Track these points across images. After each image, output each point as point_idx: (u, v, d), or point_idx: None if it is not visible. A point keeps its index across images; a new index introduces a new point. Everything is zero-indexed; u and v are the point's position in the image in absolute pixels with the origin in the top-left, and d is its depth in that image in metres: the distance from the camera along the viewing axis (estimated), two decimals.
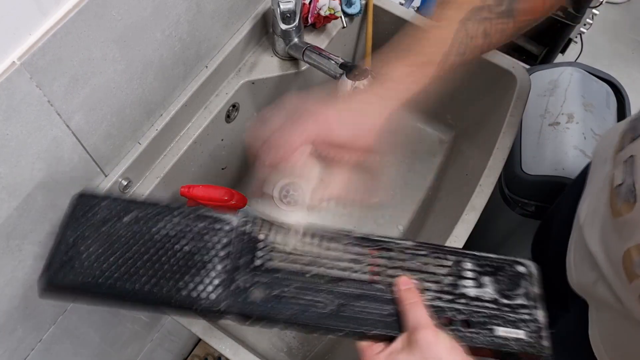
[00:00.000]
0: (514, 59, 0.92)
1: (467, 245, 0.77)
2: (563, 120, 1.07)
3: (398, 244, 0.59)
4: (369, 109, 0.58)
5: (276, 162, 0.58)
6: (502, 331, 0.54)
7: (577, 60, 1.63)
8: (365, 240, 0.59)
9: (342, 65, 0.78)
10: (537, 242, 1.03)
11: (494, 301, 0.56)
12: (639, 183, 0.54)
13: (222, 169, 0.97)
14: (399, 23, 0.97)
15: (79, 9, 0.57)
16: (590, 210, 0.68)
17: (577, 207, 0.73)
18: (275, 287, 0.54)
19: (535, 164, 1.05)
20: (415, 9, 1.42)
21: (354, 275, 0.56)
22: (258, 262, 0.55)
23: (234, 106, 0.89)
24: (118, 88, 0.68)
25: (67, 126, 0.64)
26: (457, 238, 0.76)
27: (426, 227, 0.99)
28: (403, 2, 1.28)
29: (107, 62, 0.64)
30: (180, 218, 0.57)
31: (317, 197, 0.58)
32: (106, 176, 0.75)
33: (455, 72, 0.60)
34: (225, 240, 0.56)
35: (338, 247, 0.58)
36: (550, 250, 0.88)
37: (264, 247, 0.57)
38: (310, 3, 0.88)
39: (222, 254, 0.55)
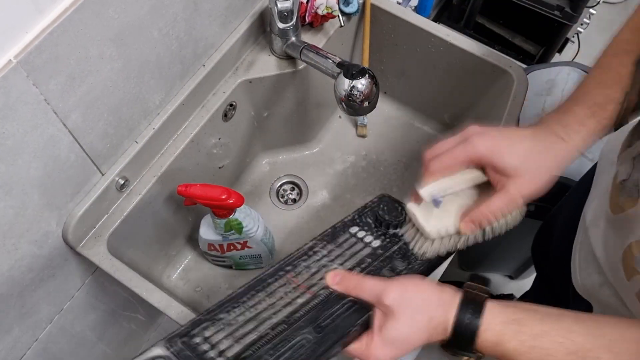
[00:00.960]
0: (511, 59, 0.92)
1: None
2: None
3: (300, 254, 0.61)
4: (551, 147, 0.56)
5: (436, 170, 0.58)
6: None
7: (574, 60, 1.63)
8: (275, 272, 0.59)
9: (340, 65, 0.78)
10: (538, 243, 1.03)
11: (394, 235, 0.62)
12: None
13: (220, 167, 0.96)
14: (397, 22, 0.97)
15: (76, 7, 0.57)
16: (596, 212, 0.68)
17: (583, 209, 0.73)
18: None
19: None
20: (413, 8, 1.42)
21: (298, 301, 0.55)
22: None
23: (231, 105, 0.89)
24: (115, 87, 0.68)
25: (64, 125, 0.64)
26: None
27: None
28: (400, 1, 1.29)
29: (104, 60, 0.64)
30: None
31: (465, 216, 0.58)
32: (103, 175, 0.75)
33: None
34: None
35: (261, 296, 0.56)
36: (553, 252, 0.88)
37: (209, 348, 0.52)
38: (307, 2, 0.88)
39: None
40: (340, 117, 1.13)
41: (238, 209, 0.83)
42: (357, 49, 1.04)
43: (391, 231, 0.63)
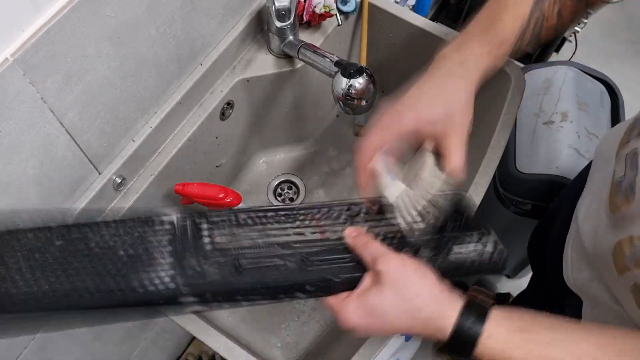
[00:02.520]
0: (508, 58, 0.92)
1: None
2: (557, 119, 1.08)
3: (341, 204, 0.60)
4: (455, 90, 0.58)
5: (359, 169, 0.59)
6: (456, 249, 0.57)
7: (572, 59, 1.63)
8: (301, 210, 0.60)
9: (337, 63, 0.78)
10: (535, 241, 1.03)
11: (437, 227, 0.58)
12: (639, 177, 0.54)
13: (217, 166, 0.96)
14: (394, 21, 0.97)
15: (73, 5, 0.57)
16: (589, 208, 0.68)
17: (576, 205, 0.73)
18: (231, 262, 0.54)
19: (529, 163, 1.05)
20: (411, 7, 1.42)
21: (306, 237, 0.57)
22: (208, 247, 0.55)
23: (228, 104, 0.89)
24: (112, 85, 0.68)
25: (61, 123, 0.63)
26: None
27: None
28: (398, 0, 1.29)
29: (101, 59, 0.64)
30: (116, 228, 0.56)
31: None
32: (100, 174, 0.75)
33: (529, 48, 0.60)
34: (168, 237, 0.55)
35: (280, 219, 0.58)
36: (549, 251, 0.88)
37: (209, 233, 0.56)
38: (305, 1, 0.88)
39: (169, 248, 0.54)
40: (337, 116, 1.13)
41: (235, 207, 0.83)
42: (355, 48, 1.04)
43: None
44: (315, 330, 0.96)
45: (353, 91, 0.75)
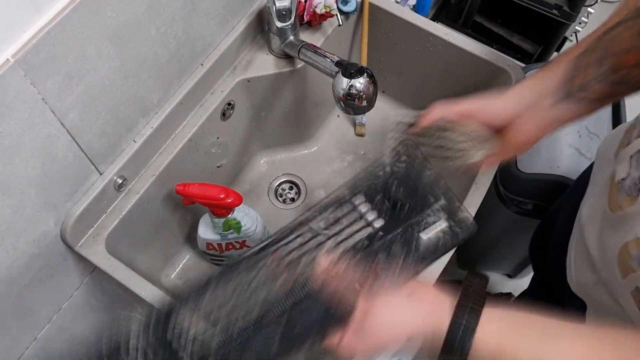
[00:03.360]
0: (509, 57, 0.92)
1: (462, 243, 0.77)
2: None
3: (295, 225, 0.57)
4: (535, 114, 0.62)
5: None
6: (423, 236, 0.56)
7: None
8: (265, 247, 0.56)
9: (338, 64, 0.78)
10: (536, 242, 1.03)
11: (401, 213, 0.56)
12: None
13: (218, 166, 0.96)
14: (395, 21, 0.97)
15: (74, 5, 0.57)
16: (592, 210, 0.68)
17: (579, 207, 0.73)
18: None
19: (530, 163, 1.05)
20: (411, 7, 1.42)
21: (272, 296, 0.53)
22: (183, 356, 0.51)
23: (229, 104, 0.89)
24: (113, 86, 0.68)
25: (62, 124, 0.63)
26: None
27: None
28: (399, 0, 1.28)
29: (101, 59, 0.64)
30: None
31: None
32: (101, 174, 0.75)
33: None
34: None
35: (242, 273, 0.54)
36: (551, 251, 0.88)
37: (177, 341, 0.53)
38: (306, 1, 0.88)
39: None
40: (338, 116, 1.13)
41: (236, 208, 0.83)
42: (356, 48, 1.04)
43: (400, 211, 0.57)
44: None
45: (354, 91, 0.75)
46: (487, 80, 0.94)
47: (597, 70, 0.57)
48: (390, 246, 0.56)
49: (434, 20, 0.98)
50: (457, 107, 0.65)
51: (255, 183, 1.07)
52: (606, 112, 1.13)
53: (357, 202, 0.58)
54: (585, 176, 0.77)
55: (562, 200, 0.94)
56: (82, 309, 0.87)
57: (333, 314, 0.53)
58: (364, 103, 0.76)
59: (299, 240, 0.56)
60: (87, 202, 0.73)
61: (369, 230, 0.56)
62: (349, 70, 0.75)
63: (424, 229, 0.56)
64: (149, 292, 0.73)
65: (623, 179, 0.58)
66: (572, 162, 1.02)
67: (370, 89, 0.76)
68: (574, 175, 1.00)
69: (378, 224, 0.56)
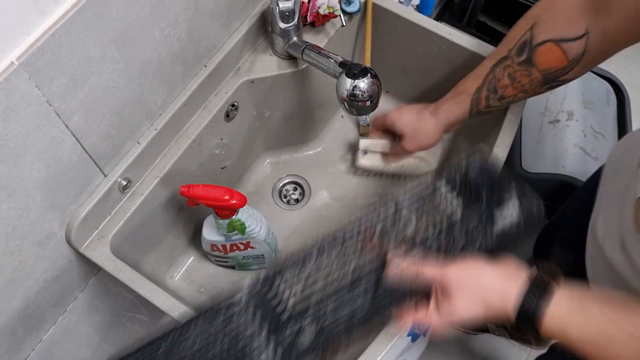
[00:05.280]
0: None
1: None
2: (563, 117, 1.07)
3: (383, 210, 0.64)
4: (426, 119, 0.83)
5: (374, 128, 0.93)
6: (498, 214, 0.61)
7: None
8: (356, 228, 0.63)
9: (342, 64, 0.78)
10: (541, 245, 1.03)
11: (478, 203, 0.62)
12: None
13: (222, 168, 0.96)
14: (398, 21, 0.96)
15: (78, 8, 0.57)
16: (608, 228, 0.67)
17: (590, 219, 0.72)
18: (312, 326, 0.58)
19: (535, 162, 1.05)
20: (415, 7, 1.42)
21: (366, 269, 0.61)
22: (284, 316, 0.59)
23: (233, 105, 0.89)
24: (117, 88, 0.68)
25: (66, 126, 0.64)
26: None
27: None
28: (402, 0, 1.28)
29: (105, 61, 0.64)
30: (198, 329, 0.59)
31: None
32: (105, 176, 0.75)
33: (497, 107, 0.78)
34: (245, 318, 0.59)
35: (336, 252, 0.62)
36: (555, 255, 0.88)
37: (278, 302, 0.60)
38: (309, 2, 0.88)
39: (253, 329, 0.59)
40: (342, 116, 1.13)
41: (241, 209, 0.83)
42: (359, 48, 1.04)
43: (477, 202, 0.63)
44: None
45: (358, 92, 0.75)
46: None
47: (492, 99, 0.77)
48: (468, 225, 0.62)
49: (437, 20, 0.98)
50: (394, 127, 0.86)
51: (259, 184, 1.07)
52: (611, 111, 1.12)
53: (443, 190, 0.65)
54: (592, 183, 0.77)
55: (566, 206, 0.94)
56: (88, 310, 0.87)
57: (413, 291, 0.59)
58: (368, 103, 0.76)
59: (382, 214, 0.64)
60: (92, 204, 0.73)
61: (448, 221, 0.63)
62: (353, 70, 0.75)
63: (498, 206, 0.62)
64: (153, 294, 0.73)
65: None
66: (577, 161, 1.02)
67: (375, 89, 0.76)
68: (580, 175, 1.00)
69: (457, 215, 0.63)
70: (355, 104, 0.76)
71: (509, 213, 0.61)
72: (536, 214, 0.61)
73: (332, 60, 0.79)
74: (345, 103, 0.77)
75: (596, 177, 0.76)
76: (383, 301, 0.59)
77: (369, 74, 0.75)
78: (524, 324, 0.54)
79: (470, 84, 0.78)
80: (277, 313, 0.59)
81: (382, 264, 0.61)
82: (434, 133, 0.83)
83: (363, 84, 0.75)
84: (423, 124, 0.83)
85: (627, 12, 0.60)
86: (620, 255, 0.63)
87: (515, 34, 0.72)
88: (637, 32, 0.61)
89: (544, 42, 0.68)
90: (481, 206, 0.62)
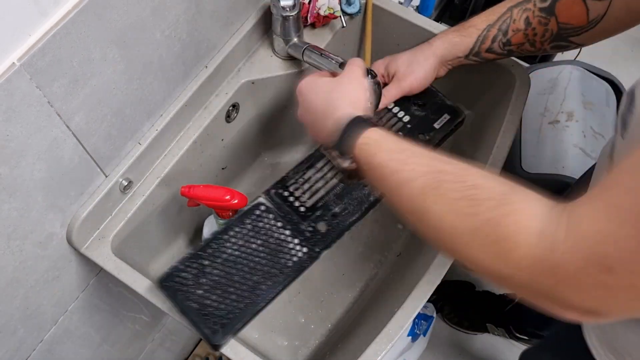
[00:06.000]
0: (513, 58, 0.92)
1: None
2: (563, 118, 1.08)
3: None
4: (421, 54, 0.79)
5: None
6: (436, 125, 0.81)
7: (577, 59, 1.62)
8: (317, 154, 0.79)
9: (342, 65, 0.78)
10: None
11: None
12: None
13: (223, 168, 0.97)
14: (399, 22, 0.97)
15: (79, 9, 0.57)
16: None
17: None
18: (325, 216, 0.72)
19: (535, 163, 1.05)
20: (415, 8, 1.42)
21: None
22: (302, 209, 0.73)
23: (234, 106, 0.89)
24: (118, 88, 0.68)
25: (67, 127, 0.64)
26: None
27: None
28: (402, 1, 1.28)
29: (106, 62, 0.64)
30: (232, 233, 0.71)
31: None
32: (106, 177, 0.75)
33: (497, 55, 0.77)
34: (269, 217, 0.72)
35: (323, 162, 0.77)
36: None
37: (294, 200, 0.74)
38: (309, 3, 0.88)
39: (278, 224, 0.71)
40: None
41: (240, 209, 0.83)
42: (359, 49, 1.04)
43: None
44: (321, 330, 0.97)
45: None
46: (491, 80, 0.94)
47: (499, 42, 0.75)
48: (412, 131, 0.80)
49: (437, 21, 0.98)
50: (389, 68, 0.81)
51: (259, 184, 1.07)
52: (611, 112, 1.12)
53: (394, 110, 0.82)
54: (586, 177, 0.77)
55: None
56: (89, 310, 0.87)
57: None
58: (368, 104, 0.76)
59: None
60: (93, 205, 0.73)
61: (400, 124, 0.81)
62: None
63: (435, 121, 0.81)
64: (154, 294, 0.73)
65: None
66: (577, 162, 1.02)
67: (375, 90, 0.76)
68: (579, 175, 1.00)
69: (406, 119, 0.81)
70: None
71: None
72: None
73: (333, 61, 0.79)
74: None
75: (590, 173, 0.77)
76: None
77: (369, 75, 0.75)
78: (344, 137, 0.59)
79: (482, 20, 0.75)
80: (295, 207, 0.73)
81: None
82: (429, 64, 0.78)
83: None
84: (417, 56, 0.79)
85: None
86: None
87: None
88: None
89: None
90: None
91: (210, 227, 0.89)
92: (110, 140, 0.72)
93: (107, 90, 0.67)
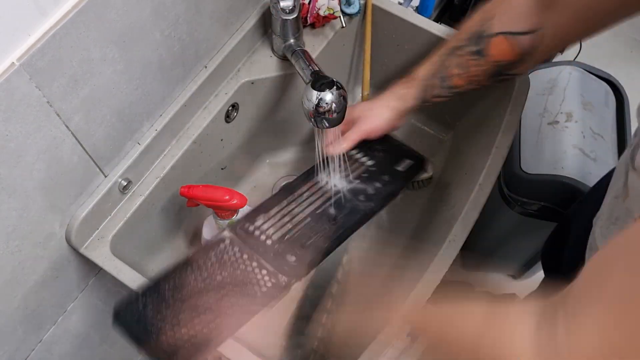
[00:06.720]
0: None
1: (466, 244, 0.77)
2: (562, 119, 1.08)
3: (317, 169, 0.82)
4: (376, 105, 0.83)
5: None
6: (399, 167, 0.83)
7: (576, 59, 1.63)
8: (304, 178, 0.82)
9: (313, 74, 0.77)
10: (549, 250, 1.03)
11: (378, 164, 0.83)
12: (631, 174, 0.55)
13: (222, 169, 0.97)
14: (398, 23, 0.97)
15: (78, 9, 0.57)
16: (602, 218, 0.67)
17: (593, 221, 0.73)
18: (292, 247, 0.72)
19: (534, 163, 1.05)
20: (414, 8, 1.42)
21: (320, 201, 0.79)
22: (269, 242, 0.72)
23: (233, 106, 0.89)
24: (117, 89, 0.68)
25: (67, 127, 0.64)
26: (456, 237, 0.76)
27: (425, 226, 0.99)
28: (402, 1, 1.29)
29: (106, 62, 0.64)
30: (195, 266, 0.70)
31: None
32: (106, 177, 0.75)
33: (446, 97, 0.80)
34: (234, 250, 0.71)
35: (294, 196, 0.79)
36: (564, 259, 0.88)
37: (260, 233, 0.73)
38: (309, 3, 0.88)
39: (244, 257, 0.71)
40: None
41: (241, 209, 0.83)
42: (359, 49, 1.05)
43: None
44: (319, 332, 0.96)
45: (323, 104, 0.72)
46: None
47: (442, 88, 0.78)
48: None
49: (437, 21, 0.98)
50: (350, 115, 0.81)
51: (259, 184, 1.07)
52: (610, 112, 1.12)
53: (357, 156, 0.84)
54: (601, 186, 0.77)
55: (577, 207, 0.94)
56: (88, 310, 0.87)
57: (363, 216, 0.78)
58: (334, 115, 0.74)
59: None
60: (92, 205, 0.73)
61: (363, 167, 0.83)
62: (318, 82, 0.73)
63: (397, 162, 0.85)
64: None
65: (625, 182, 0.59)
66: (576, 162, 1.02)
67: (340, 102, 0.73)
68: (579, 176, 1.00)
69: (370, 163, 0.83)
70: (319, 116, 0.74)
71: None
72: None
73: (309, 69, 0.78)
74: (312, 118, 0.75)
75: (605, 182, 0.77)
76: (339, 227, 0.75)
77: (334, 86, 0.73)
78: None
79: (423, 71, 0.79)
80: (261, 240, 0.72)
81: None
82: (387, 114, 0.81)
83: (328, 96, 0.72)
84: (375, 103, 0.82)
85: (573, 9, 0.63)
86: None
87: (470, 26, 0.74)
88: (586, 28, 0.65)
89: (496, 34, 0.71)
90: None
91: (209, 227, 0.89)
92: (109, 141, 0.72)
93: (107, 91, 0.67)
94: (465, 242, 0.76)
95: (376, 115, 0.82)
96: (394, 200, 0.80)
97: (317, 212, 0.77)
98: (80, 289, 0.83)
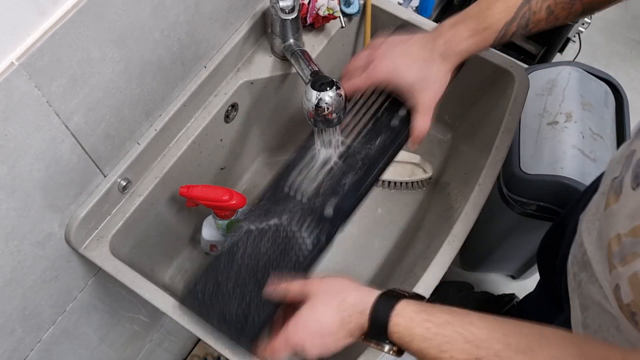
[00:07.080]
0: (512, 59, 0.92)
1: (466, 244, 0.77)
2: (561, 119, 1.07)
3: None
4: (434, 63, 0.68)
5: (349, 90, 0.72)
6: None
7: (576, 60, 1.63)
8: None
9: (313, 74, 0.77)
10: (545, 249, 1.03)
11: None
12: (627, 175, 0.55)
13: (221, 169, 0.97)
14: (398, 22, 0.97)
15: (78, 9, 0.57)
16: (591, 213, 0.68)
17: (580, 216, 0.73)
18: (328, 199, 0.70)
19: (533, 163, 1.05)
20: (414, 8, 1.42)
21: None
22: (304, 200, 0.71)
23: (232, 106, 0.89)
24: (117, 88, 0.68)
25: (66, 127, 0.64)
26: (456, 237, 0.76)
27: (425, 226, 0.99)
28: (401, 1, 1.29)
29: (105, 62, 0.64)
30: (240, 244, 0.69)
31: None
32: (105, 177, 0.75)
33: (519, 38, 0.68)
34: (274, 221, 0.70)
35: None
36: (559, 258, 0.88)
37: (293, 186, 0.72)
38: (309, 3, 0.88)
39: (285, 217, 0.70)
40: None
41: (240, 209, 0.83)
42: (358, 49, 1.04)
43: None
44: None
45: (323, 105, 0.71)
46: (490, 81, 0.94)
47: (519, 34, 0.68)
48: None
49: (437, 22, 0.98)
50: (371, 74, 0.71)
51: (258, 184, 1.07)
52: (610, 113, 1.12)
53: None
54: (595, 185, 0.77)
55: (572, 207, 0.94)
56: (87, 310, 0.87)
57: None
58: (334, 116, 0.73)
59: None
60: (92, 205, 0.73)
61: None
62: (318, 83, 0.72)
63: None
64: (152, 294, 0.73)
65: (615, 178, 0.59)
66: (575, 163, 1.02)
67: (339, 102, 0.72)
68: (578, 177, 1.00)
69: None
70: (318, 116, 0.73)
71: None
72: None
73: (309, 69, 0.78)
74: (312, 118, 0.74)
75: (598, 182, 0.77)
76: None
77: (334, 87, 0.71)
78: (374, 328, 0.55)
79: (498, 17, 0.66)
80: (297, 200, 0.71)
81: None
82: (445, 81, 0.70)
83: (328, 96, 0.71)
84: (431, 72, 0.69)
85: None
86: (594, 239, 0.64)
87: None
88: None
89: None
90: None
91: (209, 227, 0.89)
92: (109, 140, 0.72)
93: (106, 90, 0.67)
94: (465, 242, 0.76)
95: (438, 80, 0.69)
96: (405, 141, 0.74)
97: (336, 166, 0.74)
98: (80, 289, 0.83)
